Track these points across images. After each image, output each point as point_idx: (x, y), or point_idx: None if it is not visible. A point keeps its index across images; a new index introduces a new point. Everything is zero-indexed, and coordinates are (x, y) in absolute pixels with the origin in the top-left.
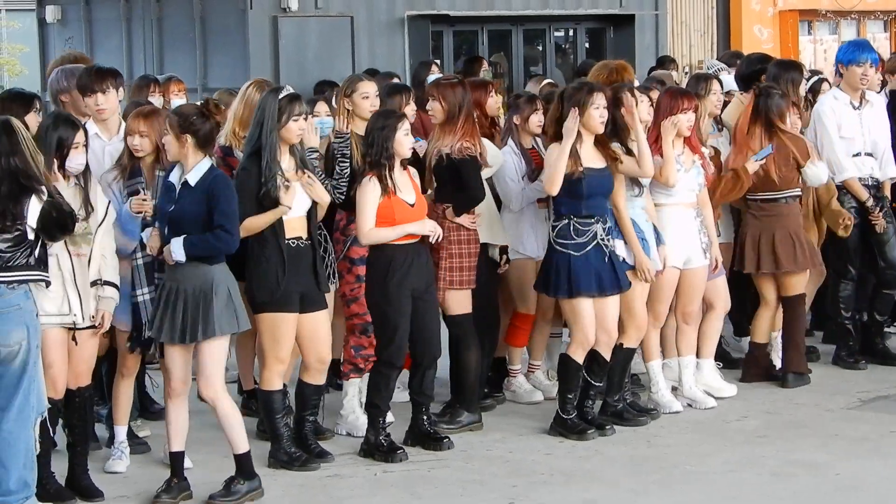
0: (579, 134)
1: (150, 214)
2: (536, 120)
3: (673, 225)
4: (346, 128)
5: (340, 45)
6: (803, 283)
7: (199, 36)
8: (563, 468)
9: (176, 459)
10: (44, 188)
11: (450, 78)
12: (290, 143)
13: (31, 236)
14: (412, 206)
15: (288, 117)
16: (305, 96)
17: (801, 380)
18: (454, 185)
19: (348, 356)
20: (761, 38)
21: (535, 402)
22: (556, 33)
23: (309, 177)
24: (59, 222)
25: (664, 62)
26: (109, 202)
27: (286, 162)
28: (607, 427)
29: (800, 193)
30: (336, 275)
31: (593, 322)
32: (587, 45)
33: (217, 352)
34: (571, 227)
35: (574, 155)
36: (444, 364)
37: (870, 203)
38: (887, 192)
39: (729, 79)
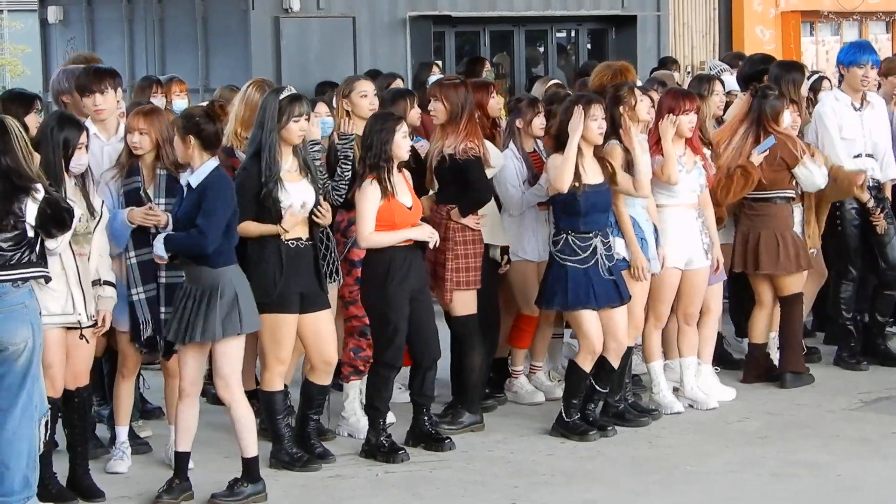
0: (579, 148)
1: (161, 224)
2: (539, 123)
3: (674, 226)
4: (350, 130)
5: (342, 45)
6: (798, 283)
7: (200, 36)
8: (564, 469)
9: (180, 460)
10: (39, 186)
11: (452, 78)
12: (291, 144)
13: (30, 234)
14: (409, 208)
15: (288, 118)
16: (307, 97)
17: (799, 379)
18: (458, 185)
19: (347, 358)
20: (763, 39)
21: (536, 403)
22: (558, 34)
23: (323, 209)
24: (55, 219)
25: (666, 63)
26: (103, 202)
27: (289, 163)
28: (609, 428)
29: (792, 195)
30: (339, 273)
31: (599, 332)
32: (589, 45)
33: (231, 353)
34: (571, 243)
35: (575, 169)
36: (445, 364)
37: (870, 204)
38: (888, 193)
39: (731, 79)
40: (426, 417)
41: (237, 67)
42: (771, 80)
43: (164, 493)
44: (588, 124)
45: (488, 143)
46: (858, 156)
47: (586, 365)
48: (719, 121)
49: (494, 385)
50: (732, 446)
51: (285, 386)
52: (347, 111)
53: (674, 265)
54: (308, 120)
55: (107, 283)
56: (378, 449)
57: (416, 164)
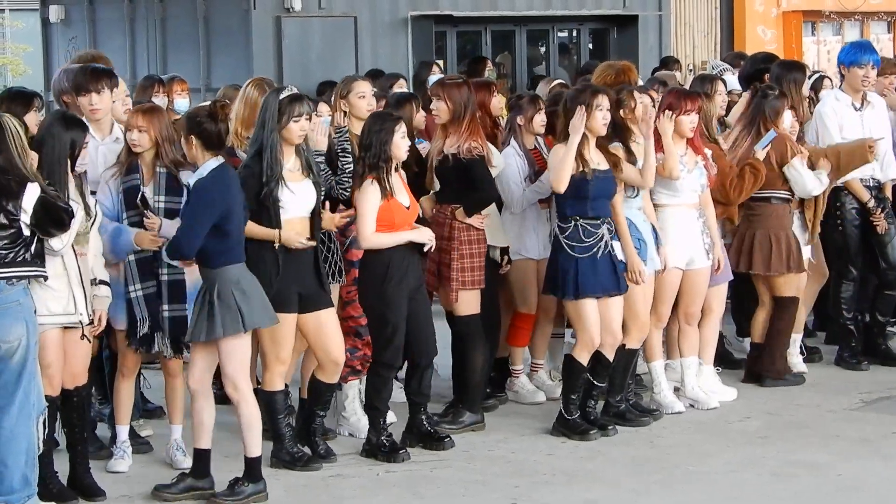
0: (584, 135)
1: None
2: (540, 120)
3: (675, 226)
4: (344, 121)
5: (344, 45)
6: (792, 286)
7: (202, 36)
8: (565, 468)
9: (197, 458)
10: (34, 185)
11: (455, 78)
12: (292, 144)
13: (26, 233)
14: (407, 208)
15: (288, 118)
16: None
17: (778, 383)
18: (461, 185)
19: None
20: (765, 38)
21: (537, 403)
22: (560, 34)
23: (325, 213)
24: (52, 218)
25: (668, 63)
26: (97, 201)
27: (291, 162)
28: (609, 427)
29: (789, 196)
30: (341, 272)
31: (598, 324)
32: (590, 45)
33: (234, 352)
34: (580, 229)
35: (580, 156)
36: (446, 364)
37: (871, 204)
38: (888, 193)
39: (733, 79)
40: (424, 417)
41: (238, 67)
42: (772, 80)
43: (165, 488)
44: (593, 114)
45: (488, 144)
46: None
47: (583, 357)
48: (721, 121)
49: (495, 384)
50: (733, 446)
51: (286, 385)
52: (345, 112)
53: (675, 265)
54: (309, 120)
55: (102, 282)
56: (379, 448)
57: (418, 168)
